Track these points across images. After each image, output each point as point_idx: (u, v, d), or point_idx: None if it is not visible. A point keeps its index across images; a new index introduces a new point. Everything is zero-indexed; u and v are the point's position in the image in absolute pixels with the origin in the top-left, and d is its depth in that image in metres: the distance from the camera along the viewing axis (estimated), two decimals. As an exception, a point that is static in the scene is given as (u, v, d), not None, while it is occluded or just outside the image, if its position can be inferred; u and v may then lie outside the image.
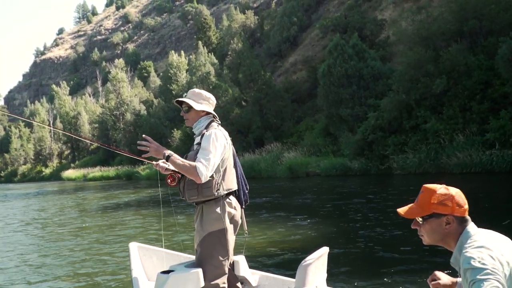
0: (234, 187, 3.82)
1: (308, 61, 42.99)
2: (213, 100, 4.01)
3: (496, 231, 2.18)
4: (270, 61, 51.16)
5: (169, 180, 3.83)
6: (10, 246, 11.11)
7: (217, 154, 3.62)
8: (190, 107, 3.84)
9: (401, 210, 2.35)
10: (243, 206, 3.95)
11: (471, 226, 2.21)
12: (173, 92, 55.81)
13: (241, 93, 39.35)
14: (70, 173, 69.14)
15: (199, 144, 3.73)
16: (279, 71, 47.60)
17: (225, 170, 3.74)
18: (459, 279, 2.44)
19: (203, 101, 3.90)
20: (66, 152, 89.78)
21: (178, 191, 3.92)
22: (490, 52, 20.21)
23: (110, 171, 57.91)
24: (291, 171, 26.57)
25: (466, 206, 2.23)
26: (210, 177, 3.59)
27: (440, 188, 2.24)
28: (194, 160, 3.60)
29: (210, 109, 3.93)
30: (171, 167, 3.80)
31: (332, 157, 26.12)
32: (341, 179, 22.11)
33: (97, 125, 75.70)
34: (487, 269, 1.91)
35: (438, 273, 2.51)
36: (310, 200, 15.97)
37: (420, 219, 2.27)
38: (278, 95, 36.59)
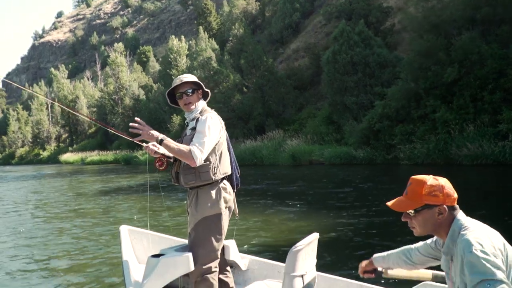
0: (229, 171, 3.84)
1: (311, 48, 42.27)
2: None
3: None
4: (272, 48, 50.43)
5: (157, 164, 3.84)
6: (1, 227, 11.25)
7: (212, 138, 3.62)
8: (194, 88, 3.83)
9: (391, 204, 2.36)
10: (235, 190, 3.94)
11: (461, 215, 2.24)
12: (173, 77, 55.07)
13: (243, 79, 38.68)
14: (68, 156, 68.51)
15: (194, 128, 3.73)
16: (280, 58, 46.91)
17: (221, 154, 3.76)
18: (374, 256, 2.82)
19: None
20: (64, 136, 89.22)
21: (170, 176, 3.91)
22: (503, 40, 19.58)
23: (109, 155, 57.28)
24: (294, 159, 25.97)
25: (455, 195, 2.25)
26: (207, 161, 3.63)
27: (430, 179, 2.25)
28: (189, 145, 3.59)
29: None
30: (161, 151, 3.83)
31: (335, 145, 25.56)
32: (346, 168, 21.54)
33: (95, 109, 75.11)
34: (492, 263, 1.93)
35: (362, 263, 2.87)
36: (311, 188, 15.57)
37: (412, 211, 2.28)
38: (280, 81, 35.91)
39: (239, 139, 34.83)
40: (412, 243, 2.73)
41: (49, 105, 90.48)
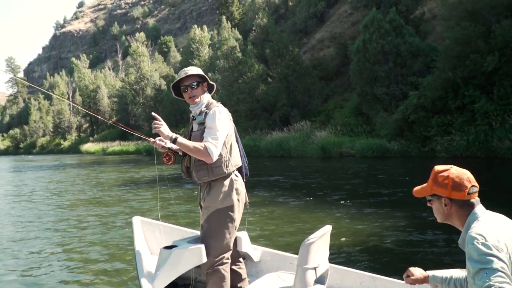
0: (240, 162, 3.86)
1: (337, 38, 41.51)
2: None
3: None
4: (295, 38, 49.61)
5: (165, 159, 3.84)
6: (16, 216, 11.42)
7: (223, 132, 3.63)
8: (199, 81, 3.78)
9: (415, 189, 2.42)
10: (244, 180, 3.95)
11: (479, 208, 2.22)
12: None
13: (268, 69, 37.94)
14: (89, 146, 68.55)
15: (202, 123, 3.71)
16: (304, 48, 46.11)
17: (231, 147, 3.76)
18: (430, 272, 2.66)
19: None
20: (84, 126, 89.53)
21: (180, 170, 3.94)
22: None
23: (130, 145, 57.09)
24: (323, 151, 25.21)
25: (471, 190, 2.22)
26: (219, 155, 3.62)
27: (444, 171, 2.26)
28: (200, 140, 3.61)
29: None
30: (168, 145, 3.82)
31: (365, 137, 24.74)
32: (378, 161, 20.77)
33: (116, 99, 75.17)
34: (492, 254, 1.94)
35: (412, 269, 2.67)
36: (341, 180, 14.90)
37: (429, 197, 2.35)
38: (306, 71, 35.08)
39: (264, 131, 34.23)
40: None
41: (70, 95, 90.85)
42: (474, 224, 2.14)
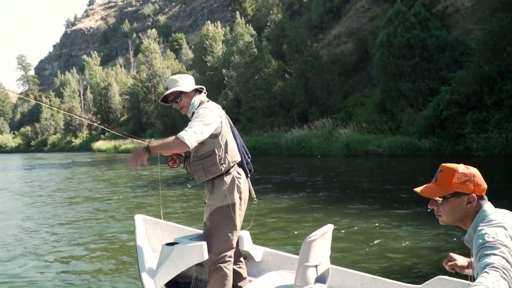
0: (238, 158, 3.82)
1: (354, 33, 40.62)
2: (190, 76, 3.95)
3: None
4: (310, 34, 48.65)
5: (170, 163, 3.85)
6: (19, 212, 11.83)
7: (203, 121, 3.54)
8: (179, 94, 3.80)
9: (419, 190, 2.35)
10: (248, 176, 3.93)
11: (488, 206, 2.22)
12: (208, 64, 53.80)
13: (285, 64, 36.98)
14: (100, 144, 67.82)
15: None
16: (321, 44, 45.16)
17: (226, 143, 3.73)
18: (473, 258, 2.47)
19: (185, 81, 3.84)
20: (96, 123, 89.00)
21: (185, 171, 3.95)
22: None
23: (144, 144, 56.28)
24: (348, 149, 24.18)
25: (485, 185, 2.23)
26: (212, 153, 3.63)
27: (461, 167, 2.24)
28: None
29: (194, 85, 3.88)
30: (146, 158, 3.61)
31: (391, 135, 23.72)
32: (408, 159, 19.79)
33: (127, 96, 74.46)
34: (498, 245, 1.92)
35: (453, 255, 2.58)
36: (370, 181, 14.21)
37: (440, 198, 2.27)
38: (325, 67, 34.09)
39: (282, 128, 33.32)
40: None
41: (81, 93, 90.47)
42: (485, 222, 2.11)
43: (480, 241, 1.98)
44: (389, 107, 26.10)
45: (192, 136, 3.44)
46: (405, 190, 11.01)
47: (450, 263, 2.56)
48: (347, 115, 29.77)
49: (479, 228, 2.08)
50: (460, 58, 23.58)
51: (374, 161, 20.92)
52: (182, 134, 3.43)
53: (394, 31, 25.48)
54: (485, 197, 2.23)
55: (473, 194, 2.19)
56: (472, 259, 2.38)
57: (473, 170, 2.23)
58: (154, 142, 3.63)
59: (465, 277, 2.53)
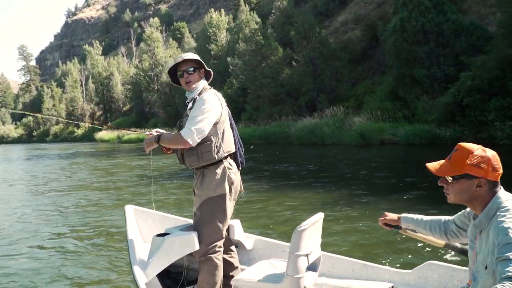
0: (233, 149, 3.85)
1: (362, 20, 39.70)
2: None
3: None
4: (316, 21, 47.79)
5: (164, 149, 3.86)
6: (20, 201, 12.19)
7: (206, 116, 3.57)
8: (196, 67, 3.75)
9: (431, 166, 2.30)
10: (239, 168, 3.94)
11: (502, 192, 2.18)
12: (212, 52, 52.83)
13: (293, 52, 36.08)
14: (103, 134, 67.02)
15: (191, 109, 3.69)
16: (327, 31, 44.26)
17: (223, 133, 3.73)
18: (403, 214, 2.87)
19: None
20: (98, 113, 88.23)
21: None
22: None
23: (147, 133, 55.43)
24: (362, 138, 23.36)
25: (501, 171, 2.17)
26: (208, 140, 3.63)
27: (478, 149, 2.17)
28: None
29: None
30: (155, 146, 3.84)
31: (406, 123, 22.89)
32: (426, 148, 18.98)
33: (130, 86, 73.64)
34: None
35: (387, 213, 2.90)
36: (384, 171, 13.72)
37: (450, 178, 2.21)
38: (334, 54, 33.19)
39: (289, 117, 32.50)
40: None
41: (83, 82, 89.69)
42: (502, 213, 2.04)
43: (504, 237, 1.91)
44: (402, 94, 25.23)
45: (195, 136, 3.52)
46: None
47: (381, 219, 2.90)
48: (357, 103, 28.93)
49: (500, 219, 2.01)
50: (476, 43, 22.71)
51: (391, 150, 20.15)
52: (186, 132, 3.52)
53: (408, 16, 24.59)
54: (498, 182, 2.16)
55: (484, 179, 2.13)
56: (403, 214, 2.87)
57: (490, 154, 2.15)
58: (165, 133, 3.80)
59: (454, 262, 2.41)
